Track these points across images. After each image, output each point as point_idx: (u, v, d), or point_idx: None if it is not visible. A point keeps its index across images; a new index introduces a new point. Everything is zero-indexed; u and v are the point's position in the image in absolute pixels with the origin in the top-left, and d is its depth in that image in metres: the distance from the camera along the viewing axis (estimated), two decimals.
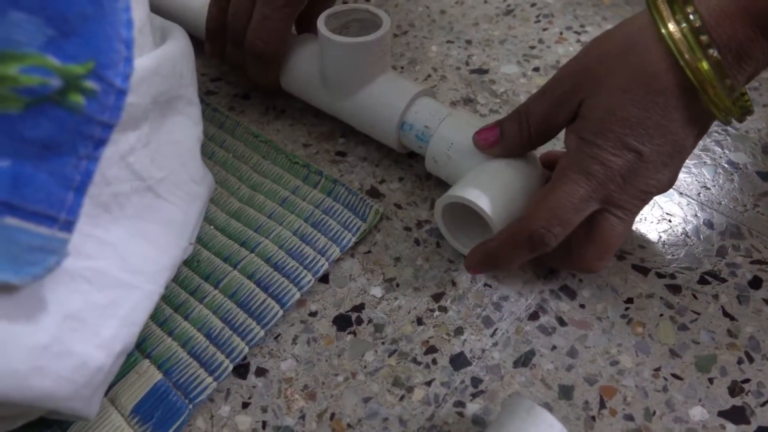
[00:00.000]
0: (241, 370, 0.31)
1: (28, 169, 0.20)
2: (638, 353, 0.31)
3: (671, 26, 0.27)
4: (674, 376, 0.30)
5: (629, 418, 0.29)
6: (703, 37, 0.26)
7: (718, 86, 0.27)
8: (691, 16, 0.26)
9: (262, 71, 0.40)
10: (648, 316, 0.32)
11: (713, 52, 0.26)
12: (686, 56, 0.26)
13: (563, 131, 0.32)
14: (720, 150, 0.40)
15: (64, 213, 0.21)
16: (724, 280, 0.34)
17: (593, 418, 0.29)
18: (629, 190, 0.29)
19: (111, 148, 0.25)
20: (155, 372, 0.30)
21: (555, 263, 0.34)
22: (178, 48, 0.29)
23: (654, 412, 0.29)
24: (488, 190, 0.32)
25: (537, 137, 0.32)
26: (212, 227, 0.37)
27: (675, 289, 0.34)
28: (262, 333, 0.31)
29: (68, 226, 0.21)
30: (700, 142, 0.40)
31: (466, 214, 0.34)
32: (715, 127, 0.41)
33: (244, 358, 0.31)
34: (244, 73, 0.42)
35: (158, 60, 0.27)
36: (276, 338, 0.32)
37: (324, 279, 0.35)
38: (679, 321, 0.32)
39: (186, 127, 0.30)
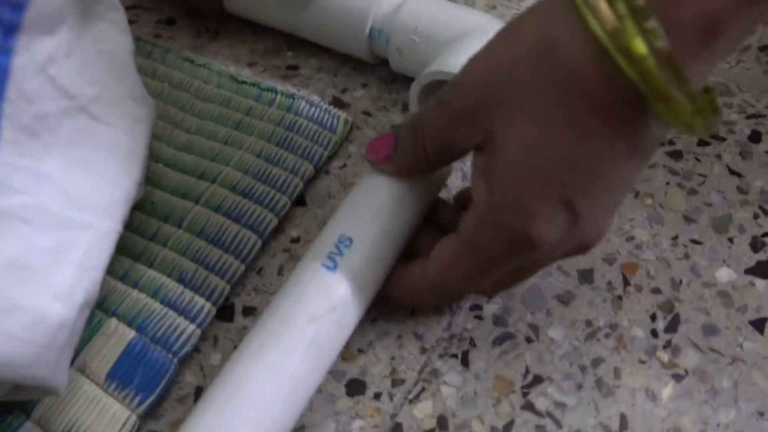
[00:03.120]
0: (226, 313, 0.27)
1: None
2: (652, 225, 0.29)
3: (603, 8, 0.17)
4: (693, 241, 0.28)
5: (657, 291, 0.27)
6: (649, 24, 0.17)
7: (673, 88, 0.17)
8: None
9: None
10: (654, 186, 0.30)
11: (662, 44, 0.17)
12: (627, 53, 0.17)
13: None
14: None
15: None
16: (723, 139, 0.32)
17: (620, 297, 0.27)
18: (557, 253, 0.23)
19: (25, 56, 0.20)
20: (126, 330, 0.26)
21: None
22: None
23: (680, 281, 0.27)
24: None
25: (436, 158, 0.24)
26: (160, 164, 0.32)
27: (676, 155, 0.31)
28: (243, 268, 0.27)
29: None
30: None
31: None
32: None
33: (227, 298, 0.27)
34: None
35: None
36: (259, 272, 0.28)
37: (300, 201, 0.31)
38: (687, 186, 0.30)
39: (113, 36, 0.25)
